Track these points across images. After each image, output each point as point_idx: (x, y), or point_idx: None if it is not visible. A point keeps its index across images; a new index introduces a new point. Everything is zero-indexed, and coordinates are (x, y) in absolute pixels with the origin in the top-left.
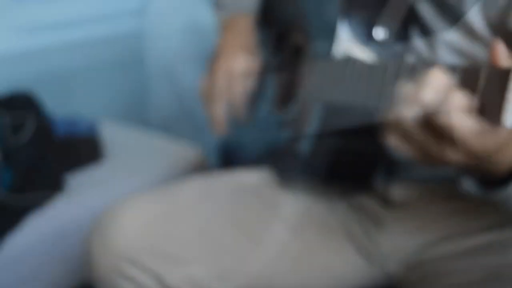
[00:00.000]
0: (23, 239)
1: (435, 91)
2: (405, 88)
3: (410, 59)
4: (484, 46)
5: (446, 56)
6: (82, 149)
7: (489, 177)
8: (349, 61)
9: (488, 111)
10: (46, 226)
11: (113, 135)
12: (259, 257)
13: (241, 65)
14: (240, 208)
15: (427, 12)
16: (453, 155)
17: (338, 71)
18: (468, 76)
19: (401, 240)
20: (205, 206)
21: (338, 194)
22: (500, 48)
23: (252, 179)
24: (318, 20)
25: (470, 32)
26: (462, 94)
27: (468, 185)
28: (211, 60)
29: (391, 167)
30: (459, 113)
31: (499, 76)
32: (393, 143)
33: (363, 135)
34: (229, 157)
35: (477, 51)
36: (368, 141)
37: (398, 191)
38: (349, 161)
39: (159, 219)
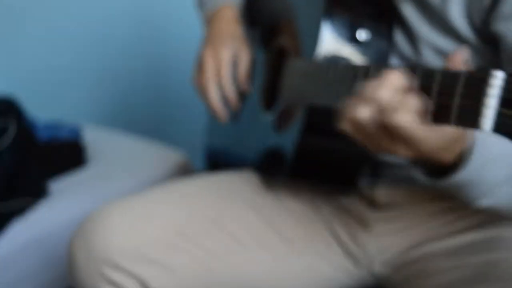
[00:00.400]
0: (7, 245)
1: (391, 91)
2: (363, 86)
3: (393, 60)
4: (471, 50)
5: (431, 58)
6: (65, 154)
7: (436, 167)
8: (331, 62)
9: (466, 115)
10: (30, 232)
11: (96, 139)
12: (243, 258)
13: (228, 51)
14: (225, 210)
15: (410, 13)
16: (402, 151)
17: (319, 73)
18: (447, 80)
19: (387, 241)
20: (189, 209)
21: (323, 195)
22: (459, 57)
23: (236, 181)
24: (302, 20)
25: (454, 35)
26: (416, 96)
27: (417, 174)
28: (199, 50)
29: (376, 168)
30: (410, 114)
31: (477, 82)
32: (347, 131)
33: (349, 139)
34: (215, 160)
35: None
36: (353, 142)
37: (383, 192)
38: (334, 162)
39: (143, 223)
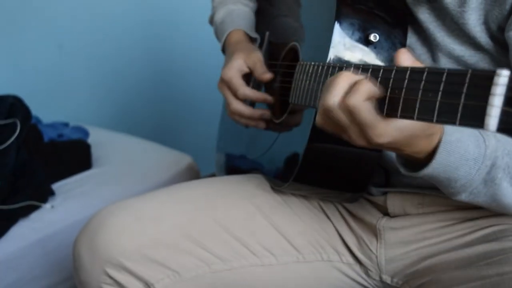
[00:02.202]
0: (11, 246)
1: (347, 80)
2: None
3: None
4: (487, 57)
5: (447, 64)
6: (71, 155)
7: (414, 161)
8: (340, 66)
9: (471, 115)
10: (34, 233)
11: (102, 141)
12: (249, 263)
13: (234, 66)
14: (232, 213)
15: (426, 18)
16: (355, 139)
17: (326, 76)
18: (454, 80)
19: (397, 252)
20: (196, 211)
21: (333, 202)
22: (403, 53)
23: (245, 185)
24: (314, 23)
25: (471, 42)
26: (369, 83)
27: (399, 165)
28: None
29: (389, 177)
30: (362, 97)
31: (483, 80)
32: (318, 121)
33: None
34: (224, 165)
35: (479, 61)
36: (362, 150)
37: (395, 201)
38: (343, 167)
39: (148, 223)
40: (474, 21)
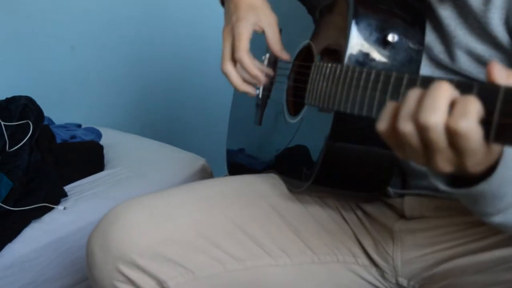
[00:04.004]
0: (25, 248)
1: (445, 105)
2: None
3: (424, 63)
4: (508, 57)
5: (465, 62)
6: (84, 157)
7: (457, 176)
8: (360, 71)
9: (506, 133)
10: (47, 235)
11: (114, 143)
12: (264, 263)
13: (245, 24)
14: (248, 213)
15: (447, 16)
16: (441, 164)
17: (344, 79)
18: (485, 94)
19: (415, 254)
20: (211, 210)
21: (349, 203)
22: (496, 68)
23: (261, 185)
24: (329, 23)
25: (492, 42)
26: (479, 103)
27: (436, 182)
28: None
29: (406, 179)
30: (475, 121)
31: None
32: (380, 131)
33: (377, 145)
34: (236, 165)
35: (500, 61)
36: (382, 151)
37: (412, 203)
38: (364, 169)
39: (162, 221)
40: (497, 20)
